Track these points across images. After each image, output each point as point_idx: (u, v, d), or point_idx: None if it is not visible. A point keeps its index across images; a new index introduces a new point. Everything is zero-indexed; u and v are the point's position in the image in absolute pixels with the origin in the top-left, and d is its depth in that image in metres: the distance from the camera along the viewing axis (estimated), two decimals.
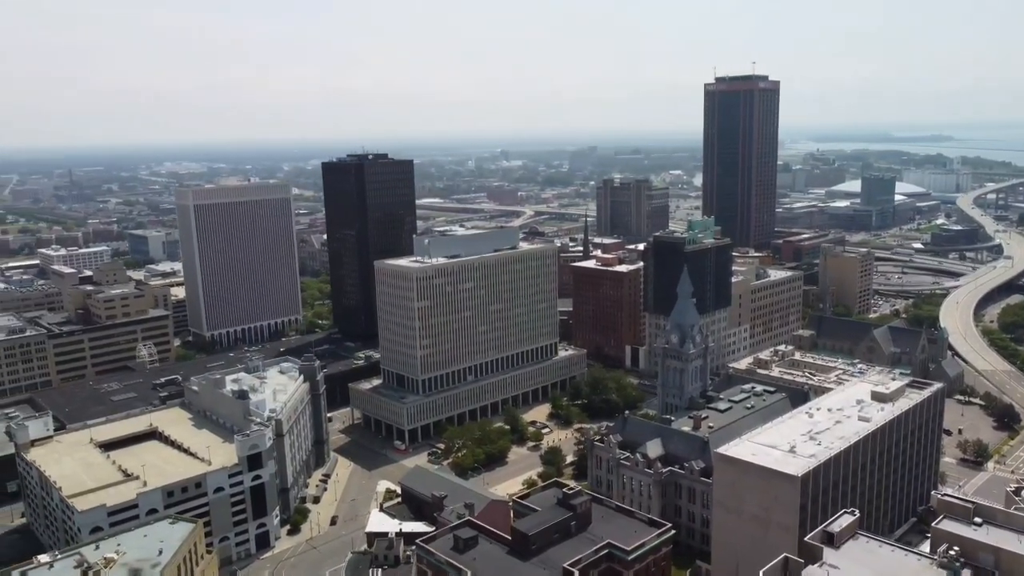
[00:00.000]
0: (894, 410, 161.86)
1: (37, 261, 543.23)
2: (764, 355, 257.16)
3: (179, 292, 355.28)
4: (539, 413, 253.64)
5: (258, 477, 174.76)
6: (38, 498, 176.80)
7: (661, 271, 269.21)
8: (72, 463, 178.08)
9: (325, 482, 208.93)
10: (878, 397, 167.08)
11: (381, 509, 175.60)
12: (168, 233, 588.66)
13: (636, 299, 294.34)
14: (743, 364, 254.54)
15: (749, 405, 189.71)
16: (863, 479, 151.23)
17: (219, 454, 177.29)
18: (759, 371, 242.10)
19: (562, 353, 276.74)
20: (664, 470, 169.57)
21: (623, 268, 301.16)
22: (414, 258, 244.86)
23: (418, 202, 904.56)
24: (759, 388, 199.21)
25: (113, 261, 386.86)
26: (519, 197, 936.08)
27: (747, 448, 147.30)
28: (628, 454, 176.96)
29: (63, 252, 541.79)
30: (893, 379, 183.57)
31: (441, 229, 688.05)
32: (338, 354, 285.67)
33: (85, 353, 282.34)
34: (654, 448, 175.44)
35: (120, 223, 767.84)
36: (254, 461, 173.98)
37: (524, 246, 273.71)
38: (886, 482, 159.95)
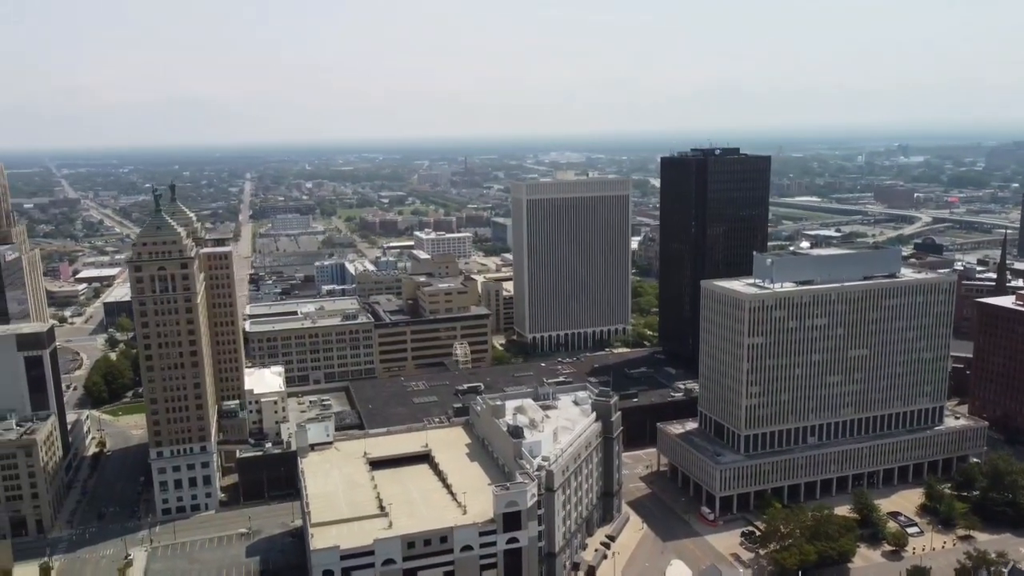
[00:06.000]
0: None
1: (412, 243, 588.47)
2: None
3: (511, 288, 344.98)
4: (904, 502, 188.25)
5: (514, 540, 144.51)
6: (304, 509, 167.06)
7: None
8: (337, 478, 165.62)
9: (608, 547, 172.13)
10: None
11: None
12: None
13: None
14: None
15: None
16: None
17: (479, 500, 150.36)
18: None
19: (949, 422, 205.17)
20: None
21: None
22: (752, 280, 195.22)
23: (791, 200, 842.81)
24: None
25: (444, 254, 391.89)
26: (915, 199, 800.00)
27: None
28: None
29: (433, 236, 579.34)
30: None
31: (812, 232, 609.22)
32: (655, 380, 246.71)
33: (407, 345, 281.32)
34: None
35: (493, 210, 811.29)
36: (511, 520, 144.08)
37: (908, 273, 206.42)
38: None
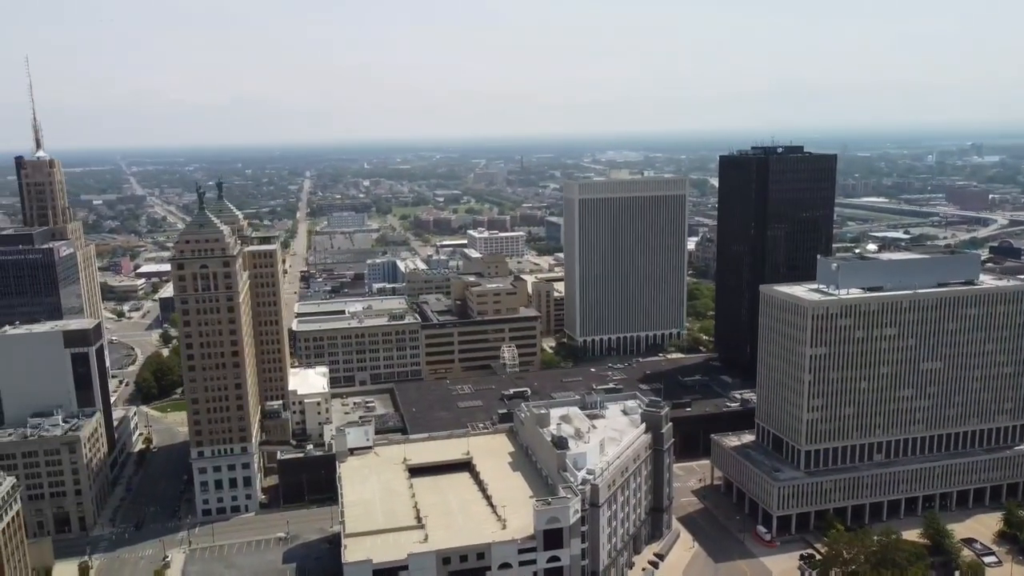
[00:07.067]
0: None
1: (466, 241, 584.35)
2: None
3: (563, 289, 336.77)
4: (980, 528, 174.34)
5: (556, 559, 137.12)
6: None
7: None
8: (375, 485, 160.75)
9: (656, 566, 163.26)
10: None
11: None
12: None
13: None
14: None
15: None
16: None
17: (519, 514, 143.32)
18: None
19: None
20: None
21: None
22: (816, 285, 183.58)
23: (857, 201, 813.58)
24: None
25: (494, 254, 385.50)
26: (989, 201, 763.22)
27: None
28: None
29: (486, 234, 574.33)
30: None
31: (879, 234, 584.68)
32: (710, 388, 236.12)
33: (454, 347, 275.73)
34: None
35: (548, 209, 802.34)
36: (552, 538, 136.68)
37: (987, 280, 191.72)
38: None
